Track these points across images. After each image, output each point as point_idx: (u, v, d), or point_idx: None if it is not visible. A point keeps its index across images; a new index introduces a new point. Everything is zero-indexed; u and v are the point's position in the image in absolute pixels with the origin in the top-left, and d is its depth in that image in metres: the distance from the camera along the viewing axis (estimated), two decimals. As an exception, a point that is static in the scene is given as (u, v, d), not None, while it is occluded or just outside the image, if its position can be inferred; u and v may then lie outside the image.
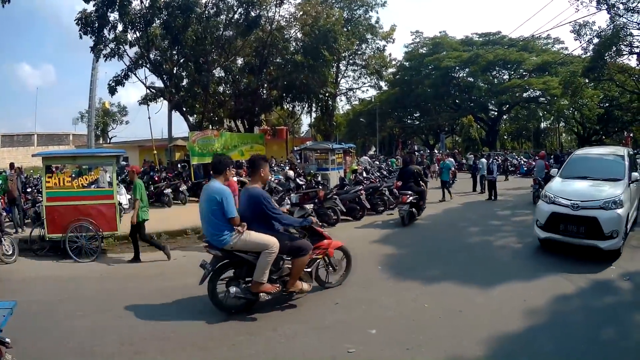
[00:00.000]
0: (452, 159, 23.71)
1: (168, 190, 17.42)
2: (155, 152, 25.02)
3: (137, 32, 21.07)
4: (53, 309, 6.49)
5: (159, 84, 23.80)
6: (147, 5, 20.23)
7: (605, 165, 9.82)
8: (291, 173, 16.11)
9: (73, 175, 12.86)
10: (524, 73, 44.63)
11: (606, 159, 10.17)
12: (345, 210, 13.16)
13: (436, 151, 39.12)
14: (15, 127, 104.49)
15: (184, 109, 23.17)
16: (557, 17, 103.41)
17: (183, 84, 22.93)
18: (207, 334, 5.42)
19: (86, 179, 11.18)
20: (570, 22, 24.53)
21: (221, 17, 22.44)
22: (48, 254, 10.22)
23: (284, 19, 26.10)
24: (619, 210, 8.04)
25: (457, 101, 48.70)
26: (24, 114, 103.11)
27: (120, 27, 20.66)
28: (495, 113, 49.82)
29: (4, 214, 12.51)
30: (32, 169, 28.49)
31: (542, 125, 56.27)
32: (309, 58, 24.94)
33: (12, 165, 15.71)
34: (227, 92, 27.01)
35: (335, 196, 13.14)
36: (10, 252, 9.79)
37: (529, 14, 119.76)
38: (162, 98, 23.60)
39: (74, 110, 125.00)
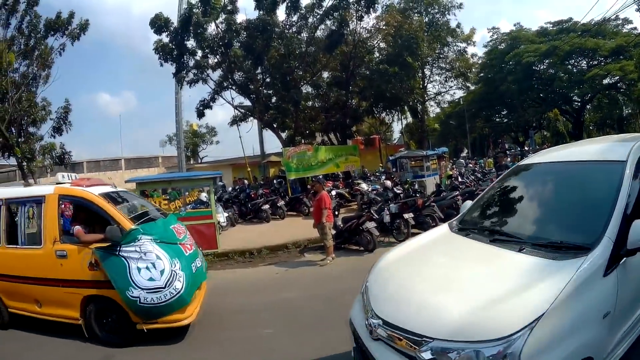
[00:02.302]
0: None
1: (266, 206, 17.25)
2: (249, 169, 25.03)
3: (217, 56, 21.23)
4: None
5: (246, 103, 23.96)
6: (223, 29, 20.29)
7: (574, 194, 4.07)
8: (389, 183, 15.46)
9: (169, 197, 13.15)
10: (601, 60, 41.27)
11: (582, 175, 4.17)
12: (443, 217, 12.50)
13: (526, 148, 37.12)
14: (100, 152, 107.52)
15: (275, 126, 23.06)
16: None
17: (272, 101, 22.81)
18: None
19: (183, 200, 11.28)
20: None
21: (302, 34, 22.22)
22: None
23: (366, 31, 25.48)
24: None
25: (541, 95, 46.07)
26: (108, 139, 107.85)
27: (199, 53, 21.01)
28: (579, 104, 46.92)
29: None
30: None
31: (625, 112, 52.03)
32: (394, 67, 24.17)
33: None
34: (317, 106, 26.76)
35: (433, 203, 12.57)
36: None
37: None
38: (251, 117, 23.87)
39: (159, 132, 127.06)
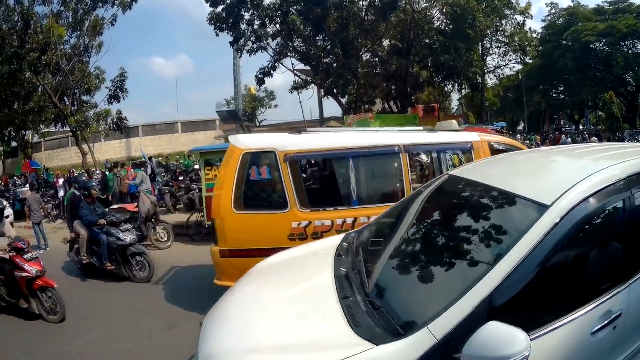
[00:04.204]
0: (595, 138, 20.76)
1: None
2: None
3: (276, 25, 20.92)
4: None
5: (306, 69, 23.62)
6: (280, -1, 19.85)
7: (451, 248, 2.86)
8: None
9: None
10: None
11: (487, 217, 2.84)
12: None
13: (581, 127, 35.46)
14: (155, 116, 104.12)
15: (335, 92, 22.59)
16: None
17: (332, 67, 22.22)
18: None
19: None
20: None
21: (361, 2, 21.49)
22: (205, 238, 9.82)
23: (424, 0, 24.46)
24: None
25: (597, 74, 43.90)
26: (162, 103, 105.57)
27: (257, 22, 20.73)
28: (634, 87, 44.59)
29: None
30: (177, 154, 29.53)
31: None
32: (453, 38, 23.28)
33: (115, 164, 15.72)
34: (377, 73, 25.91)
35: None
36: (165, 239, 9.96)
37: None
38: (312, 84, 23.41)
39: (215, 95, 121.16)
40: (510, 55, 35.24)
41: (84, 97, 23.55)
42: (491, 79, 38.40)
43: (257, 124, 46.75)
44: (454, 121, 7.77)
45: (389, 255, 3.03)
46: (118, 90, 22.20)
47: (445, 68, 24.80)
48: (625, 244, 2.48)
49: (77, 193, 8.76)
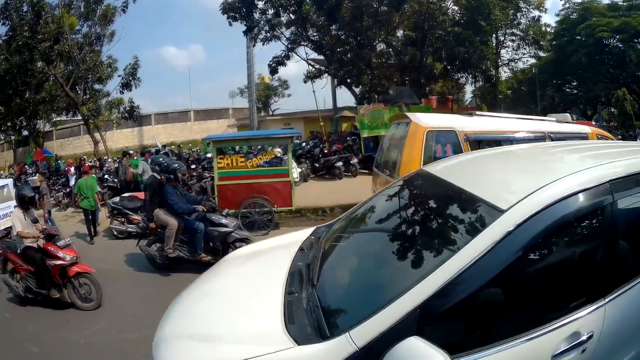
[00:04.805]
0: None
1: (339, 164, 16.65)
2: (322, 123, 24.12)
3: (289, 15, 20.73)
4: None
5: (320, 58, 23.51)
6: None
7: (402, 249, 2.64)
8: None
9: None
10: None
11: (444, 215, 2.63)
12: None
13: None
14: (167, 105, 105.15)
15: (348, 82, 22.38)
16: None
17: (346, 57, 22.10)
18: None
19: (260, 159, 10.69)
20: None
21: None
22: None
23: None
24: None
25: (610, 70, 43.62)
26: (175, 92, 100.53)
27: (270, 12, 20.51)
28: None
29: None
30: (190, 142, 29.50)
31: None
32: (468, 30, 22.92)
33: (124, 153, 15.40)
34: (391, 64, 25.66)
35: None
36: None
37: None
38: (326, 74, 23.24)
39: (228, 84, 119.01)
40: (524, 48, 35.19)
41: (96, 86, 23.50)
42: (505, 72, 38.16)
43: (271, 113, 46.39)
44: (567, 115, 9.01)
45: (341, 252, 2.94)
46: (130, 78, 22.07)
47: (460, 60, 24.58)
48: (601, 258, 2.14)
49: (159, 177, 7.38)
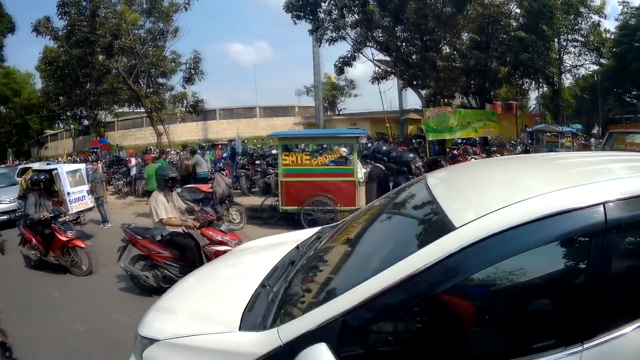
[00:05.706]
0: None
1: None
2: (388, 125, 24.10)
3: (354, 15, 20.66)
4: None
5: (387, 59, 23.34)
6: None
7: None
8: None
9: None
10: None
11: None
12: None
13: None
14: (233, 101, 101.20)
15: (415, 84, 22.15)
16: None
17: (412, 58, 21.86)
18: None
19: (325, 158, 10.61)
20: None
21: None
22: (278, 222, 10.04)
23: (501, -6, 23.73)
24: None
25: None
26: (241, 89, 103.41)
27: (335, 12, 20.57)
28: None
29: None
30: (255, 138, 29.48)
31: None
32: (531, 35, 22.24)
33: (184, 147, 15.59)
34: (457, 67, 25.20)
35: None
36: (238, 220, 9.94)
37: None
38: (392, 75, 22.99)
39: (294, 82, 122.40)
40: (586, 54, 33.71)
41: (160, 80, 24.04)
42: (568, 78, 36.27)
43: (337, 112, 46.19)
44: None
45: (321, 253, 2.91)
46: (192, 72, 22.47)
47: (523, 65, 23.96)
48: (575, 298, 1.68)
49: (382, 168, 7.57)
